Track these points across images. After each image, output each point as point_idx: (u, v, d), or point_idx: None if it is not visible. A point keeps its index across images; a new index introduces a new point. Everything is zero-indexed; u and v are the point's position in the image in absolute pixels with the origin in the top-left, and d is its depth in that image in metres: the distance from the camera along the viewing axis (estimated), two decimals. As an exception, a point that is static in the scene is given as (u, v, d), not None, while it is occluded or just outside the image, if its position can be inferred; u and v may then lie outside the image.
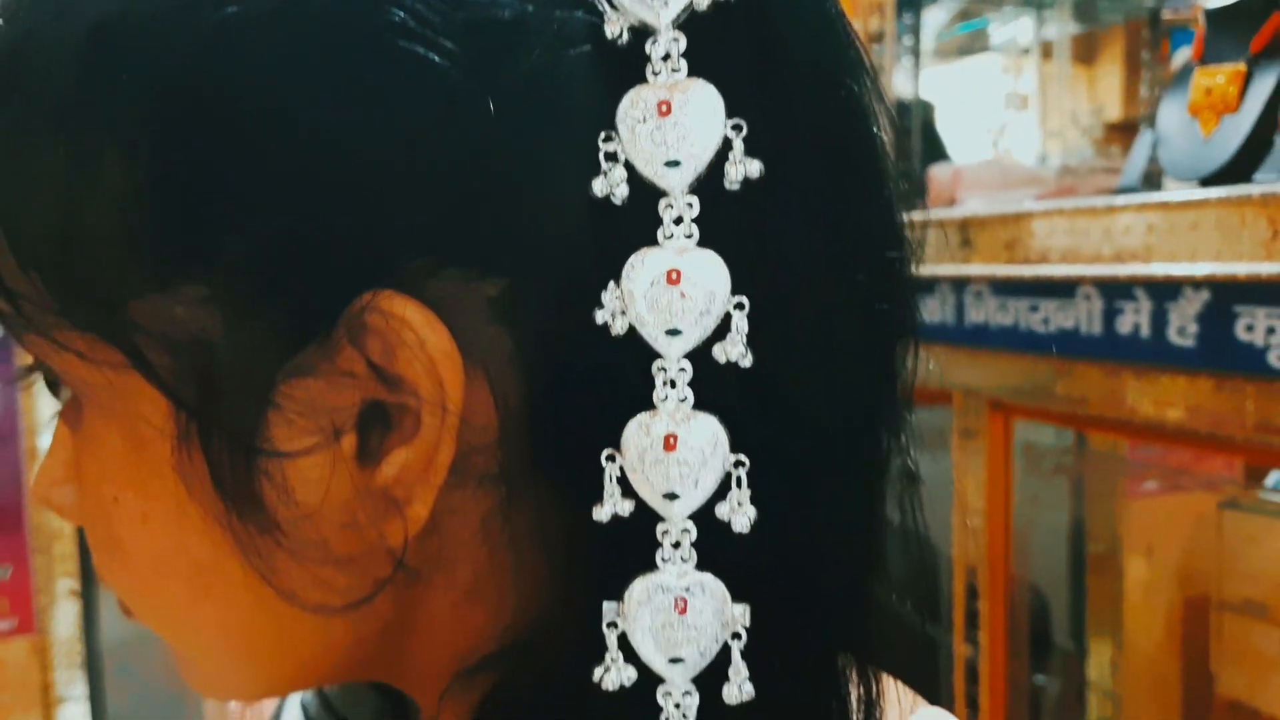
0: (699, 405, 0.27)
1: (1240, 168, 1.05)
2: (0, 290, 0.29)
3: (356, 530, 0.29)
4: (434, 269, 0.27)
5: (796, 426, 0.28)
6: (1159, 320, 1.21)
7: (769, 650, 0.28)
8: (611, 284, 0.27)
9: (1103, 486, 2.55)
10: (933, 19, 1.83)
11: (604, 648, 0.27)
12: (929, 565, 0.36)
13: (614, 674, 0.27)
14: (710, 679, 0.28)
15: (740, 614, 0.28)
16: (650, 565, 0.27)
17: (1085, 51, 2.54)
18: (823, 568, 0.29)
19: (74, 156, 0.26)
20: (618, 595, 0.27)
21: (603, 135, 0.27)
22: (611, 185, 0.27)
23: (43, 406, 1.99)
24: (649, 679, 0.27)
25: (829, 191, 0.29)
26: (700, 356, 0.27)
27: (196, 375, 0.27)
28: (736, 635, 0.28)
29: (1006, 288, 1.41)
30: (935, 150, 1.64)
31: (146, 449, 0.29)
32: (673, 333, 0.26)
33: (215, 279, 0.27)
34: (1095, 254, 1.14)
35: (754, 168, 0.27)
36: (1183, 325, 1.19)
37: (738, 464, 0.27)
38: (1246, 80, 1.05)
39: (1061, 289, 1.32)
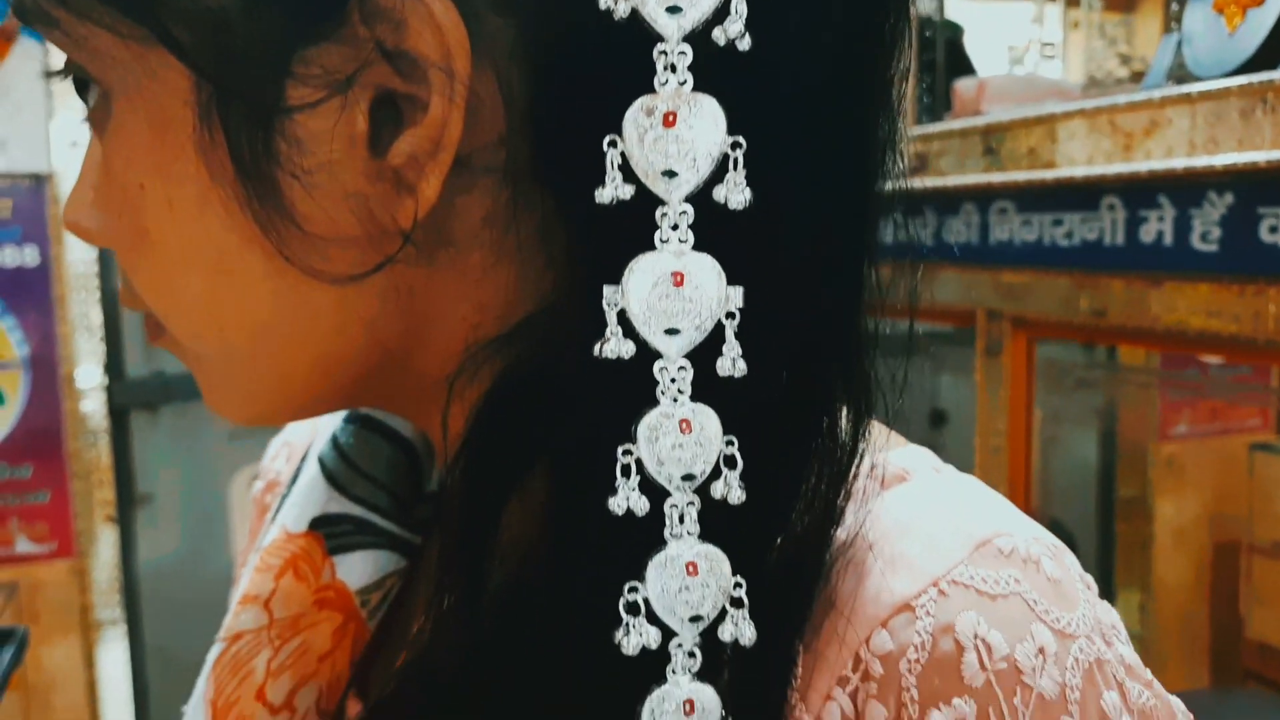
0: (698, 88, 0.28)
1: (1267, 58, 1.03)
2: None
3: (369, 213, 0.31)
4: None
5: (793, 107, 0.29)
6: (1182, 227, 1.20)
7: (761, 330, 0.29)
8: None
9: (1135, 427, 2.53)
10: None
11: (604, 325, 0.28)
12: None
13: (613, 345, 0.29)
14: (705, 355, 0.29)
15: (734, 294, 0.29)
16: (649, 247, 0.28)
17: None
18: (815, 252, 0.30)
19: None
20: (617, 279, 0.28)
21: None
22: None
23: (78, 338, 2.03)
24: (646, 354, 0.29)
25: None
26: (700, 39, 0.28)
27: (216, 48, 0.29)
28: (730, 315, 0.29)
29: (1030, 203, 1.39)
30: (963, 68, 1.63)
31: (170, 131, 0.31)
32: (673, 10, 0.27)
33: None
34: (1118, 155, 1.13)
35: None
36: (1206, 230, 1.17)
37: (735, 145, 0.28)
38: (1273, -28, 1.03)
39: (1085, 201, 1.31)
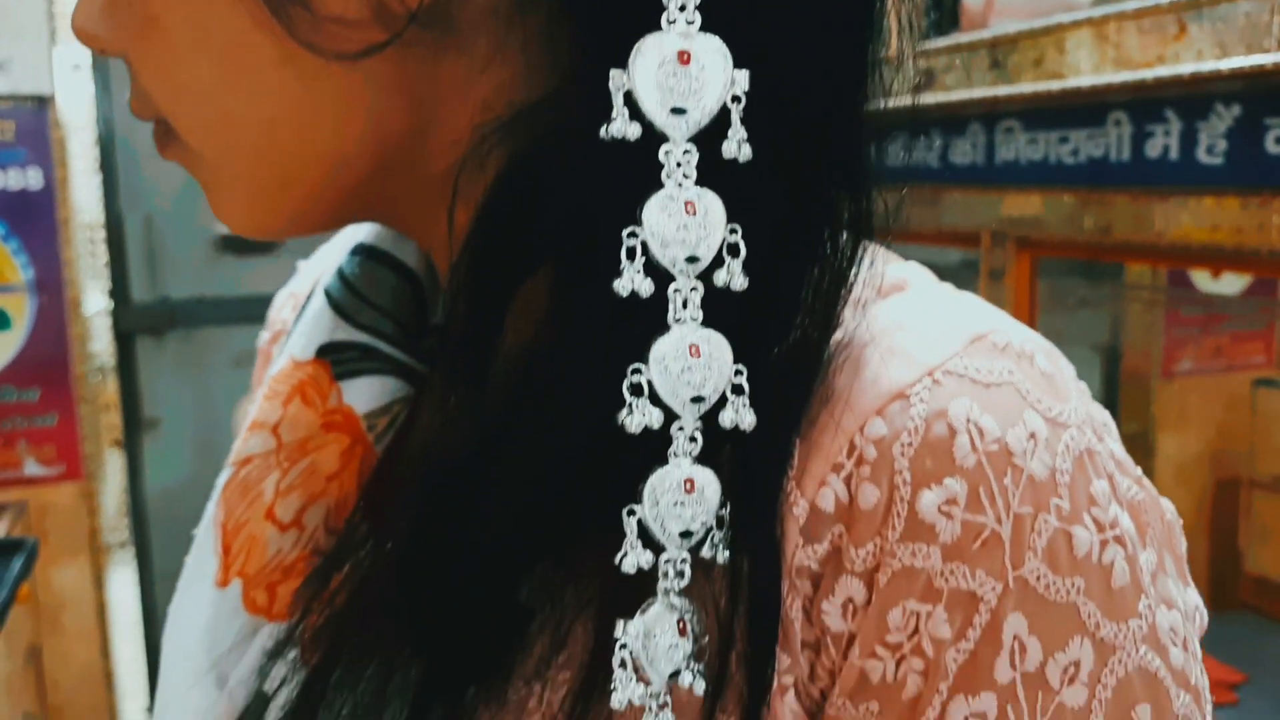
0: None
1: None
2: None
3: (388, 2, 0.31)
4: None
5: None
6: (1188, 141, 1.19)
7: (767, 116, 0.29)
8: None
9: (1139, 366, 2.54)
10: None
11: (609, 108, 0.29)
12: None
13: (619, 125, 0.29)
14: (710, 140, 0.29)
15: (740, 77, 0.29)
16: (656, 27, 0.29)
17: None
18: (820, 37, 0.31)
19: None
20: (623, 63, 0.29)
21: None
22: None
23: (83, 262, 2.04)
24: (652, 137, 0.29)
25: None
26: None
27: None
28: (736, 99, 0.29)
29: (1036, 121, 1.39)
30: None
31: None
32: None
33: None
34: (1126, 63, 1.12)
35: None
36: (1212, 144, 1.17)
37: None
38: (1288, -127, 1.02)
39: (1091, 117, 1.30)
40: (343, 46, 0.31)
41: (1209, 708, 0.33)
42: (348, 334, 0.42)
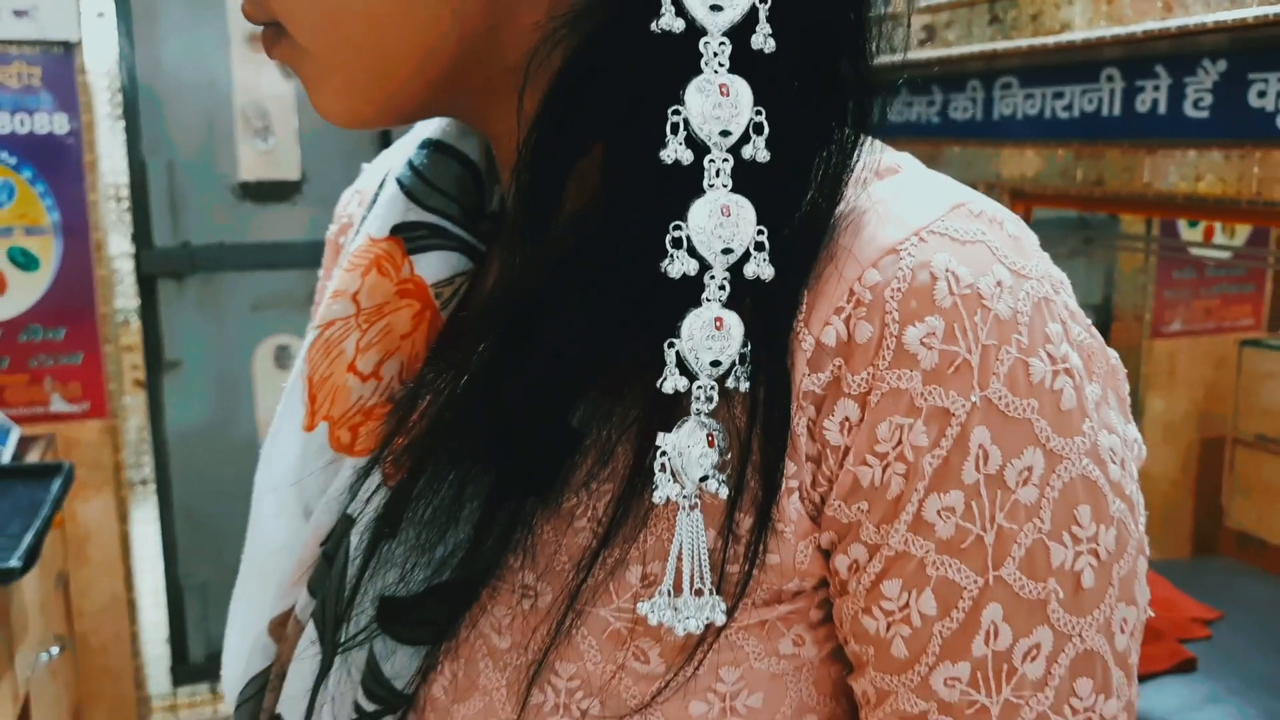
0: None
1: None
2: None
3: None
4: None
5: None
6: (1176, 95, 1.26)
7: (787, 16, 0.36)
8: None
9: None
10: None
11: (659, 6, 0.35)
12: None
13: (668, 19, 0.36)
14: (741, 34, 0.36)
15: None
16: None
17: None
18: None
19: None
20: None
21: None
22: None
23: (108, 206, 2.10)
24: (694, 32, 0.36)
25: None
26: None
27: None
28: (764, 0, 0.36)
29: (1033, 77, 1.45)
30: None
31: None
32: None
33: None
34: (1118, 19, 1.18)
35: None
36: (1199, 98, 1.23)
37: None
38: None
39: (1085, 73, 1.36)
40: None
41: (1141, 520, 0.39)
42: (418, 215, 0.48)
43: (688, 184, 0.36)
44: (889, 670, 0.37)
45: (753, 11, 0.36)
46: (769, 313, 0.37)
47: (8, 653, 1.47)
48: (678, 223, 0.36)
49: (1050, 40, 1.25)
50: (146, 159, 2.18)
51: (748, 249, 0.36)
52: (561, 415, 0.39)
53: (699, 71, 0.36)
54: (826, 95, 0.39)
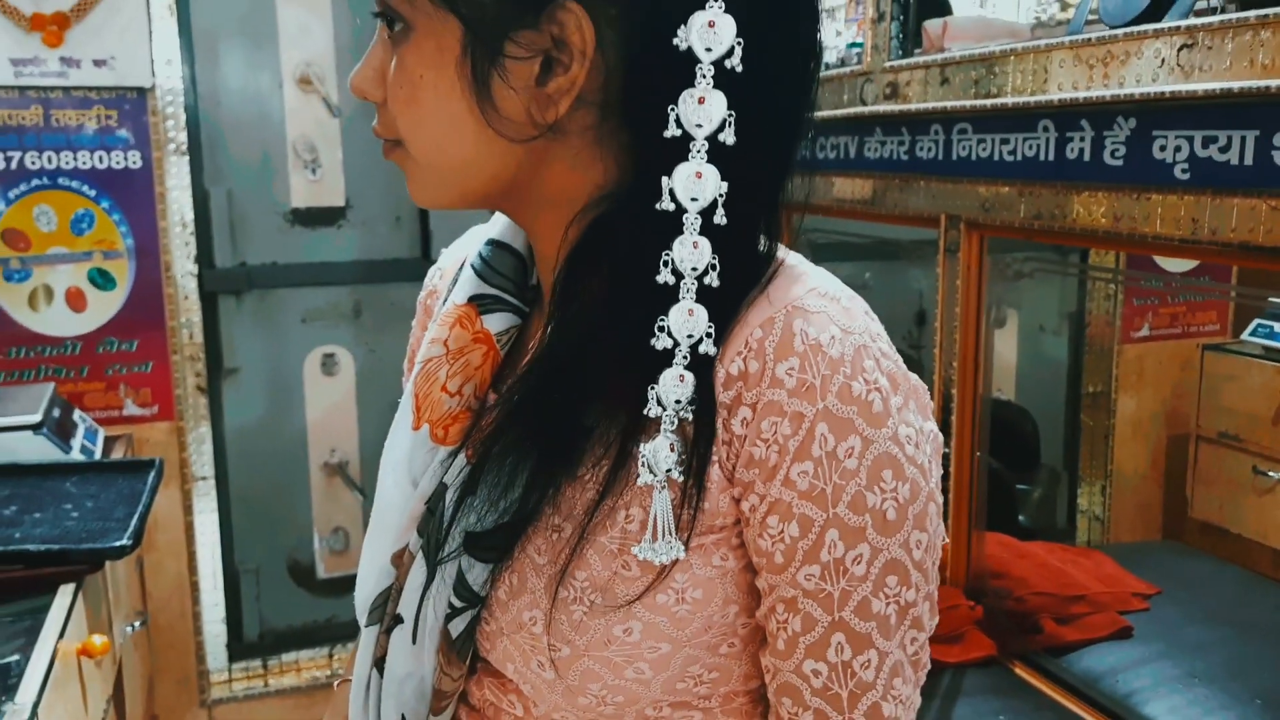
0: (716, 86, 0.57)
1: (1156, 12, 1.31)
2: None
3: (529, 112, 0.61)
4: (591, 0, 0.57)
5: (766, 112, 0.60)
6: (1097, 145, 1.49)
7: (734, 199, 0.58)
8: (691, 20, 0.57)
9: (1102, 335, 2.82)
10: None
11: (659, 194, 0.58)
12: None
13: (666, 202, 0.58)
14: (709, 212, 0.58)
15: (722, 186, 0.58)
16: (685, 159, 0.58)
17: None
18: (764, 162, 0.61)
19: None
20: (668, 173, 0.58)
21: None
22: None
23: (175, 232, 2.35)
24: (680, 210, 0.58)
25: None
26: (719, 66, 0.57)
27: (481, 18, 0.59)
28: (721, 195, 0.58)
29: (983, 125, 1.68)
30: (943, 8, 1.89)
31: (445, 51, 0.60)
32: (707, 50, 0.57)
33: None
34: (1043, 87, 1.42)
35: None
36: (1115, 149, 1.46)
37: (729, 118, 0.57)
38: (1164, -58, 1.31)
39: (1025, 124, 1.59)
40: (510, 133, 0.61)
41: (934, 478, 0.61)
42: (486, 289, 0.73)
43: (669, 295, 0.60)
44: (773, 571, 0.60)
45: (714, 201, 0.59)
46: (705, 369, 0.61)
47: (109, 621, 1.72)
48: (662, 318, 0.59)
49: (989, 102, 1.48)
50: (209, 189, 2.42)
51: (702, 335, 0.60)
52: (579, 420, 0.63)
53: (681, 232, 0.59)
54: (758, 235, 0.63)
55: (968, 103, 1.54)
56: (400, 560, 0.71)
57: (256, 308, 2.52)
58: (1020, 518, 2.49)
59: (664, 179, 0.58)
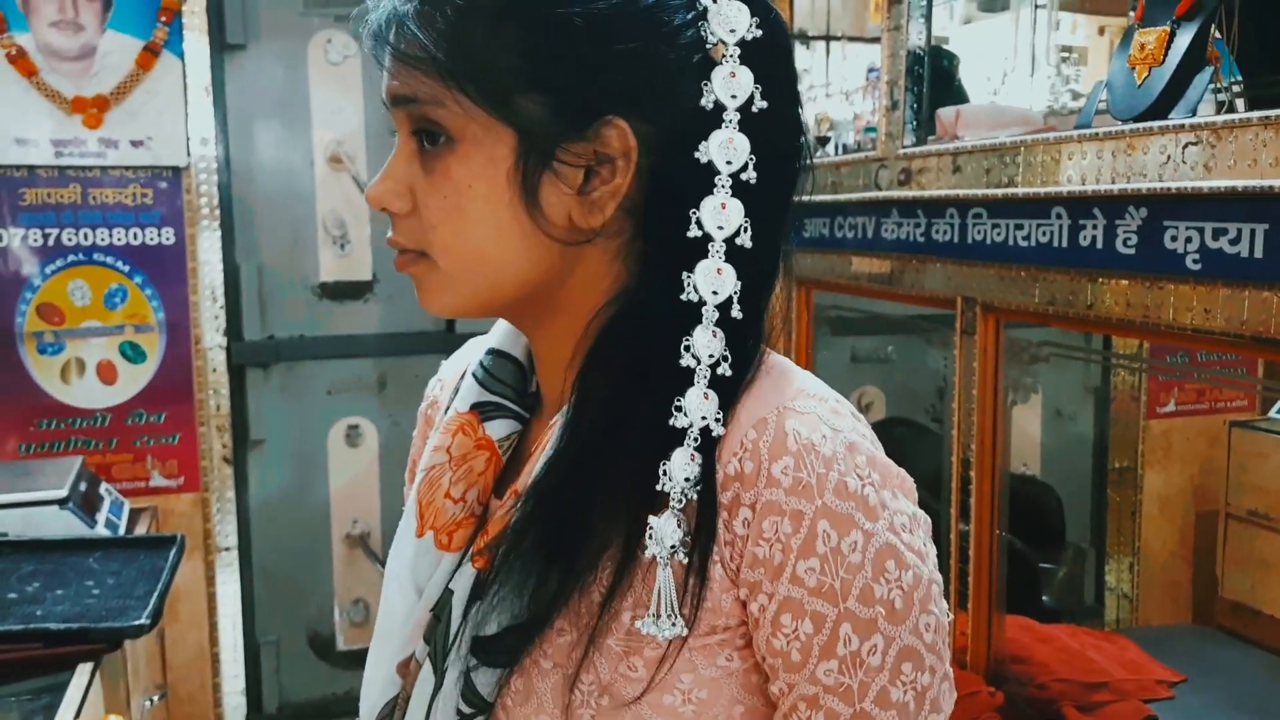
0: (734, 194, 0.62)
1: (1162, 107, 1.33)
2: (497, 82, 0.62)
3: (571, 218, 0.64)
4: (635, 114, 0.62)
5: (768, 214, 0.63)
6: (1109, 234, 1.50)
7: (746, 298, 0.62)
8: (711, 136, 0.61)
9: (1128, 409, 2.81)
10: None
11: (681, 289, 0.61)
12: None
13: (689, 294, 0.62)
14: (725, 308, 0.62)
15: (737, 285, 0.62)
16: (705, 257, 0.62)
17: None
18: (767, 260, 0.64)
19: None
20: (689, 269, 0.62)
21: (706, 85, 0.62)
22: (708, 101, 0.62)
23: (205, 306, 2.40)
24: (700, 303, 0.62)
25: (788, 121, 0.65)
26: (735, 177, 0.62)
27: (534, 132, 0.62)
28: (736, 292, 0.62)
29: (998, 211, 1.69)
30: (957, 97, 1.92)
31: (497, 162, 0.63)
32: (727, 164, 0.61)
33: (565, 105, 0.62)
34: (1051, 179, 1.43)
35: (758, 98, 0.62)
36: (1127, 237, 1.47)
37: (745, 225, 0.62)
38: (1170, 39, 1.33)
39: (1039, 210, 1.61)
40: (559, 237, 0.64)
41: (931, 560, 0.63)
42: (487, 397, 0.74)
43: (683, 383, 0.62)
44: (791, 670, 0.61)
45: (730, 298, 0.62)
46: (709, 455, 0.62)
47: (126, 698, 1.73)
48: (679, 399, 0.61)
49: (999, 193, 1.50)
50: (240, 263, 2.48)
51: (713, 419, 0.62)
52: (594, 522, 0.64)
53: (697, 324, 0.62)
54: (760, 328, 0.65)
55: (980, 191, 1.56)
56: (406, 669, 0.72)
57: (283, 380, 2.56)
58: (1044, 598, 2.45)
59: (685, 274, 0.62)
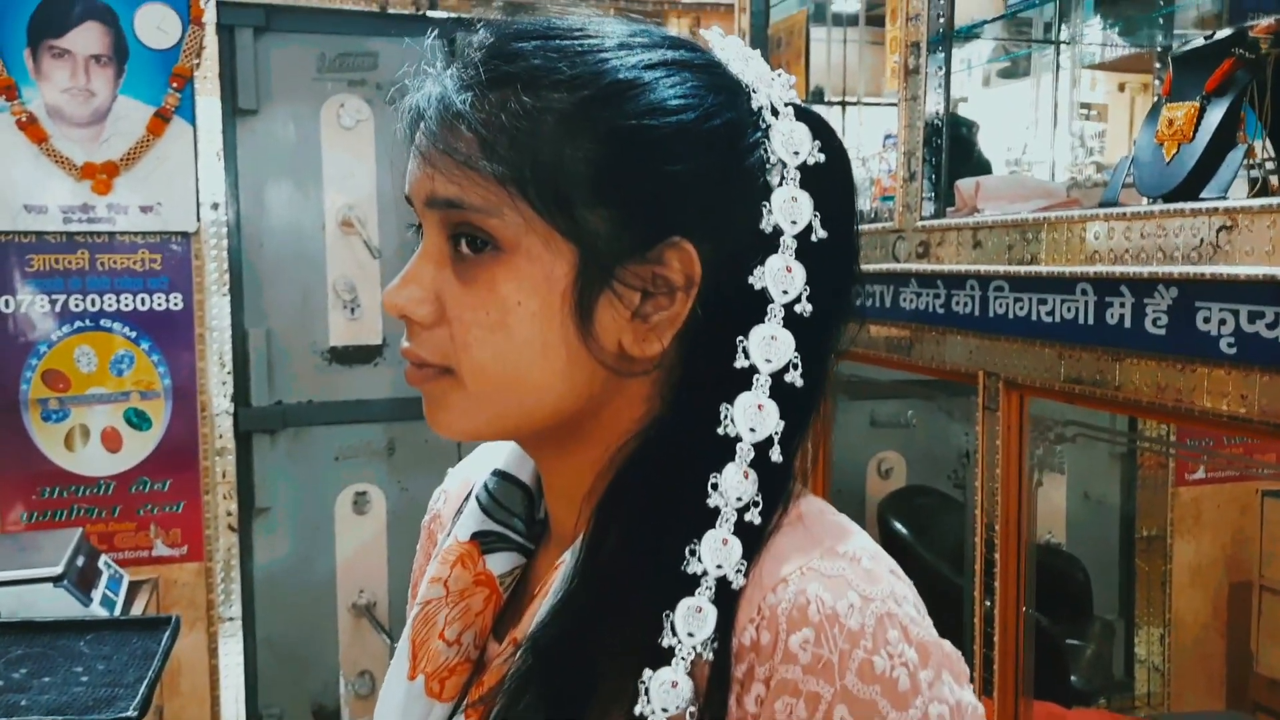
0: (786, 326, 0.57)
1: (1192, 186, 1.28)
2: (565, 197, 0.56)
3: (623, 343, 0.59)
4: (698, 235, 0.57)
5: (823, 329, 0.59)
6: (1138, 313, 1.44)
7: (786, 437, 0.57)
8: (768, 262, 0.57)
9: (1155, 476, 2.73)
10: (976, 50, 2.08)
11: (717, 422, 0.57)
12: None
13: (728, 427, 0.57)
14: (763, 446, 0.57)
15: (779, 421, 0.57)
16: (748, 388, 0.57)
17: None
18: (809, 396, 0.59)
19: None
20: (729, 401, 0.57)
21: (765, 207, 0.58)
22: (767, 224, 0.58)
23: (213, 371, 2.36)
24: (738, 438, 0.57)
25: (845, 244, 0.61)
26: (789, 310, 0.57)
27: (597, 249, 0.57)
28: (778, 430, 0.57)
29: (1020, 285, 1.64)
30: (977, 164, 1.88)
31: (552, 279, 0.57)
32: (781, 295, 0.57)
33: (631, 222, 0.57)
34: (1076, 257, 1.38)
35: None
36: (1157, 317, 1.41)
37: (795, 361, 0.57)
38: (1200, 115, 1.28)
39: (1064, 286, 1.55)
40: (610, 363, 0.59)
41: None
42: (490, 526, 0.69)
43: (705, 525, 0.56)
44: None
45: (770, 436, 0.57)
46: (728, 611, 0.56)
47: (118, 784, 1.67)
48: (694, 543, 0.56)
49: (1021, 270, 1.45)
50: (249, 329, 2.45)
51: (733, 570, 0.56)
52: (588, 706, 0.58)
53: (729, 461, 0.57)
54: (794, 476, 0.59)
55: (1001, 267, 1.51)
56: None
57: (290, 446, 2.51)
58: (1072, 678, 2.36)
59: (725, 405, 0.57)
